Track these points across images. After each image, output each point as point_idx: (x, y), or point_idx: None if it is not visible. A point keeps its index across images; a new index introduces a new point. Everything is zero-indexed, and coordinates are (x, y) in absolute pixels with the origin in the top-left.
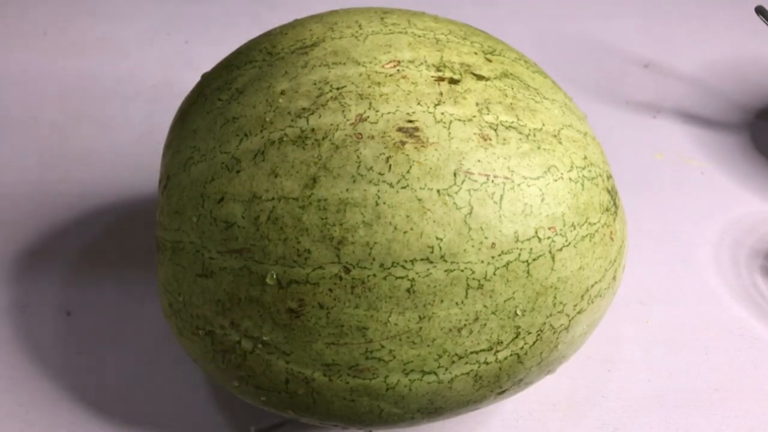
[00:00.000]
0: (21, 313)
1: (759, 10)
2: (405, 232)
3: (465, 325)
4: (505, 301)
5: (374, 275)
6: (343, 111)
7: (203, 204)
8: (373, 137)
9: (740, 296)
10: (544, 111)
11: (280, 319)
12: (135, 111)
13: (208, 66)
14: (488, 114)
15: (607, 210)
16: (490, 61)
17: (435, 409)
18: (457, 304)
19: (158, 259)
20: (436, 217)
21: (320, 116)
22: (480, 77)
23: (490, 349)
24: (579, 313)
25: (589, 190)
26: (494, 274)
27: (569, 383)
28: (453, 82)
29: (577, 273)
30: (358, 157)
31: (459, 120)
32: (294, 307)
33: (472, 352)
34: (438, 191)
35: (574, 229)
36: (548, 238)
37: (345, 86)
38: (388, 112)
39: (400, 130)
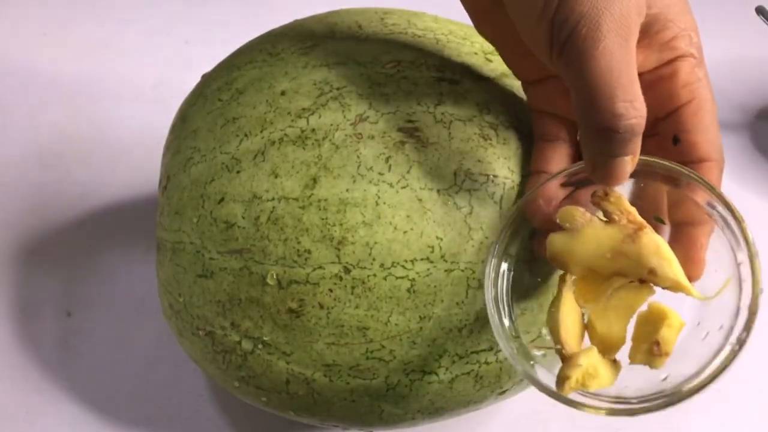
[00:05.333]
0: (21, 314)
1: (759, 10)
2: (405, 232)
3: (465, 324)
4: None
5: (374, 275)
6: (344, 111)
7: (203, 204)
8: (373, 137)
9: None
10: None
11: (280, 319)
12: (135, 111)
13: (208, 66)
14: (488, 114)
15: None
16: (490, 61)
17: (436, 410)
18: (457, 304)
19: (158, 260)
20: (437, 217)
21: (320, 116)
22: (480, 77)
23: (490, 349)
24: None
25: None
26: None
27: None
28: (453, 82)
29: None
30: (359, 157)
31: (459, 120)
32: (294, 307)
33: (472, 352)
34: (438, 191)
35: None
36: None
37: (345, 86)
38: (389, 112)
39: (400, 130)
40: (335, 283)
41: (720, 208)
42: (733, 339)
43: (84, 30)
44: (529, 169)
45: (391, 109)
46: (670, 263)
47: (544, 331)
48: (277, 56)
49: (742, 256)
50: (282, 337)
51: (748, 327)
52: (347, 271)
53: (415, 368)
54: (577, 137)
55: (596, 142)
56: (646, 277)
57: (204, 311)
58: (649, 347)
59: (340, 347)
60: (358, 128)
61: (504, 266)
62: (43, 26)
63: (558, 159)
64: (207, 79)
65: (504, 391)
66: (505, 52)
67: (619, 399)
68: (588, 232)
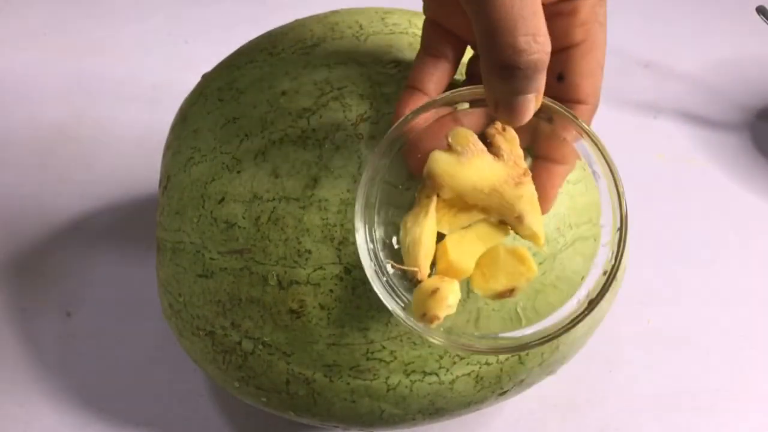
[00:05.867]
0: (21, 314)
1: (759, 10)
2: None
3: (466, 323)
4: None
5: None
6: (345, 111)
7: (204, 204)
8: (374, 137)
9: (740, 296)
10: None
11: (281, 319)
12: (135, 111)
13: (208, 66)
14: None
15: None
16: None
17: (436, 410)
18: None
19: (158, 260)
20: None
21: (321, 116)
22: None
23: None
24: None
25: (591, 191)
26: None
27: (570, 384)
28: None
29: (578, 273)
30: (359, 157)
31: None
32: (295, 307)
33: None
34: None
35: (573, 229)
36: None
37: (346, 86)
38: (389, 113)
39: None
40: (336, 284)
41: (590, 149)
42: (580, 296)
43: (84, 30)
44: (406, 83)
45: (392, 109)
46: (537, 215)
47: (396, 244)
48: (278, 56)
49: (606, 204)
50: (282, 338)
51: (601, 291)
52: (348, 271)
53: (415, 369)
54: (467, 61)
55: (498, 78)
56: (509, 221)
57: (204, 311)
58: (503, 290)
59: (341, 348)
60: (359, 128)
61: (376, 181)
62: (43, 26)
63: (438, 78)
64: (207, 79)
65: (504, 392)
66: None
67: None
68: (475, 162)
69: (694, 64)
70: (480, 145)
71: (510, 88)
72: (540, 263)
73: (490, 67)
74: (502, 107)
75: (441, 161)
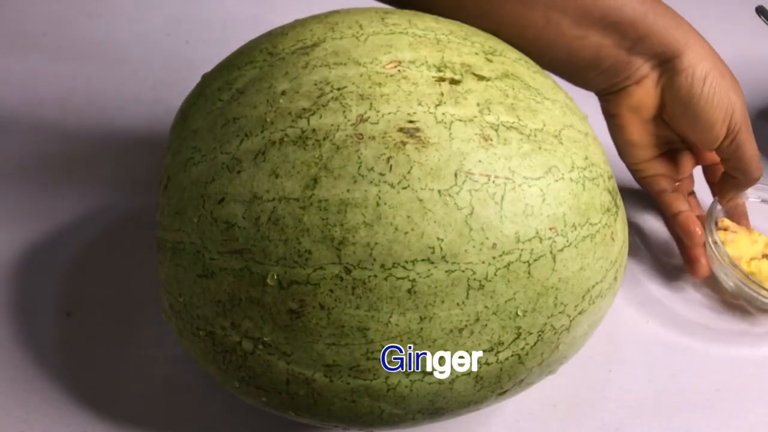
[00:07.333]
0: (21, 313)
1: (759, 10)
2: (406, 233)
3: (466, 325)
4: (506, 302)
5: (375, 276)
6: (344, 111)
7: (204, 204)
8: (373, 138)
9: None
10: (545, 111)
11: (280, 319)
12: (135, 111)
13: (208, 66)
14: (489, 114)
15: (608, 210)
16: (490, 61)
17: (436, 410)
18: (458, 304)
19: (158, 260)
20: (437, 218)
21: (321, 117)
22: (481, 77)
23: (491, 349)
24: (580, 313)
25: (590, 191)
26: (495, 274)
27: (570, 384)
28: (454, 82)
29: (578, 273)
30: (359, 157)
31: (460, 120)
32: (295, 307)
33: (473, 353)
34: (439, 192)
35: (575, 229)
36: (549, 238)
37: (346, 86)
38: (389, 113)
39: (401, 130)
40: (336, 284)
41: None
42: None
43: (84, 30)
44: (671, 211)
45: (391, 109)
46: None
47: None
48: (278, 56)
49: None
50: (282, 338)
51: None
52: (348, 271)
53: (415, 368)
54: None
55: (743, 187)
56: None
57: (204, 311)
58: None
59: (341, 348)
60: (358, 129)
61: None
62: (43, 26)
63: (683, 198)
64: (207, 79)
65: (504, 392)
66: (636, 150)
67: None
68: (744, 234)
69: None
70: (735, 225)
71: (744, 188)
72: (536, 259)
73: (741, 184)
74: (734, 199)
75: (729, 240)
